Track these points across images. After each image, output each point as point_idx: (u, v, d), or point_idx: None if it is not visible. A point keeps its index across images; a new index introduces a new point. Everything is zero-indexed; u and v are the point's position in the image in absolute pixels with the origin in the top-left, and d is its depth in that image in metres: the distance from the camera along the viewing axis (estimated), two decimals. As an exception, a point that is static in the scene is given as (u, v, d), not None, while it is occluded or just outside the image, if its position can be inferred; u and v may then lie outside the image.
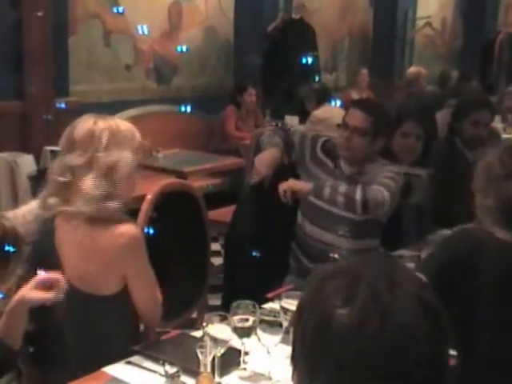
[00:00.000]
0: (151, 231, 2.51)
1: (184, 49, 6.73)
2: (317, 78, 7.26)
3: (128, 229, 2.19)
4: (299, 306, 1.06)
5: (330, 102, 5.90)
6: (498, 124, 6.63)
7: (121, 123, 2.28)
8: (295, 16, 7.72)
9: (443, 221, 3.43)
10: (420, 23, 9.85)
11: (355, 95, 7.84)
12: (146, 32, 5.95)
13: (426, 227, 3.41)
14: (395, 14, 9.26)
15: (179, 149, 6.21)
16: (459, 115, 3.96)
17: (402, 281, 1.01)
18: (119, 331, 2.27)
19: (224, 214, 4.47)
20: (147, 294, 2.29)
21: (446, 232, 3.31)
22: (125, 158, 2.19)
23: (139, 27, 5.78)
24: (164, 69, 6.76)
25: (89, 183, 2.16)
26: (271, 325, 1.98)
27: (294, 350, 1.05)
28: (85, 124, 2.24)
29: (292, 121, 6.46)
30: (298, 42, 7.33)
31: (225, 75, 7.28)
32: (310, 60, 7.18)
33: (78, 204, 2.17)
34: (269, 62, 7.30)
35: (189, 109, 6.24)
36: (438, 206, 3.54)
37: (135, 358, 2.12)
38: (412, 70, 7.83)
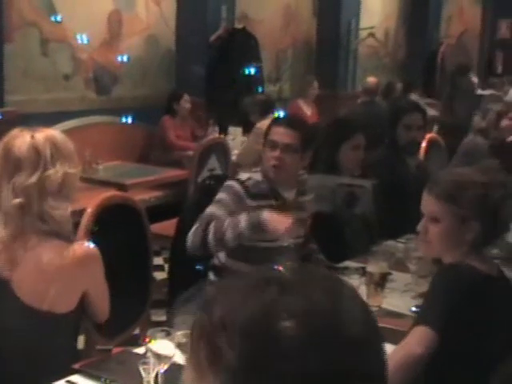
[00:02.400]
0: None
1: (125, 58, 6.61)
2: (260, 89, 7.26)
3: (85, 246, 2.25)
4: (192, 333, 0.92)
5: (273, 113, 5.89)
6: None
7: (57, 134, 2.25)
8: (238, 26, 7.71)
9: (388, 231, 3.44)
10: (363, 34, 9.93)
11: (304, 106, 7.85)
12: (85, 41, 5.83)
13: (371, 238, 3.40)
14: (338, 24, 9.26)
15: (120, 161, 6.11)
16: (392, 121, 3.97)
17: (313, 275, 0.94)
18: (59, 349, 2.22)
19: (167, 227, 4.39)
20: (106, 305, 2.38)
21: (391, 243, 3.32)
22: (70, 171, 2.19)
23: (78, 36, 5.66)
24: (104, 79, 6.62)
25: (50, 204, 2.14)
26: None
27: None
28: (23, 139, 2.16)
29: (236, 132, 6.44)
30: (241, 52, 7.30)
31: (167, 85, 7.18)
32: (253, 70, 7.17)
33: (36, 225, 2.15)
34: (212, 72, 7.24)
35: (130, 119, 6.15)
36: (383, 217, 3.54)
37: (75, 377, 2.07)
38: (372, 79, 7.85)
